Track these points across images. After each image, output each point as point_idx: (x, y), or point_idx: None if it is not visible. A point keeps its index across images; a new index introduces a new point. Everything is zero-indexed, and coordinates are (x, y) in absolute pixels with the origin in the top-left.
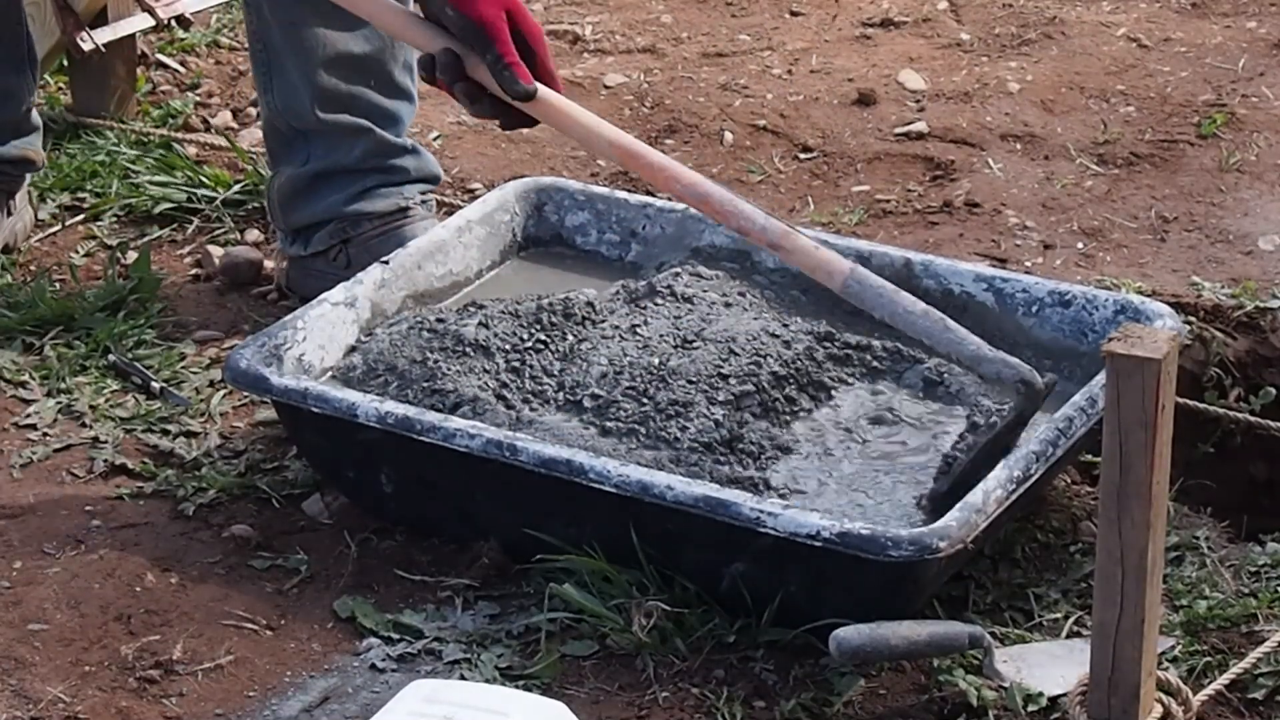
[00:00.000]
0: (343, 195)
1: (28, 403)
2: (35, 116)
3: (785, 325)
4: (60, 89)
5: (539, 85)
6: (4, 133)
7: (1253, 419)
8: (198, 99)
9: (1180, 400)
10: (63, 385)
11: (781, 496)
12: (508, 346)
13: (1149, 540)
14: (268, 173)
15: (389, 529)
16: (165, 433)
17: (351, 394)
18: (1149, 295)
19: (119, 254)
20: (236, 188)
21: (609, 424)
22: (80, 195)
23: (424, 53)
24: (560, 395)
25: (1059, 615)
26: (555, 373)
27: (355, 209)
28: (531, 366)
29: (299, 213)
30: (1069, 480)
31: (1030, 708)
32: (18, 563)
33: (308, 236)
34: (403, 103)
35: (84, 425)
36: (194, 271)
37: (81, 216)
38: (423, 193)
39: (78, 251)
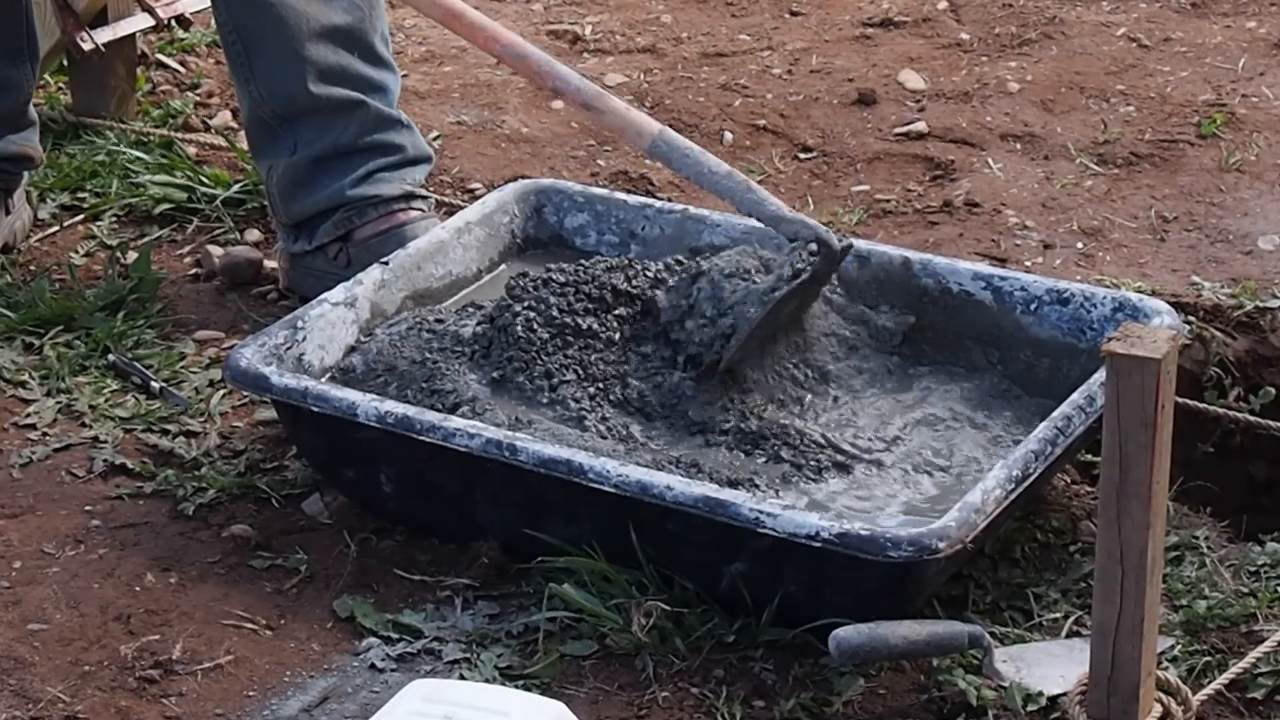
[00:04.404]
0: (345, 180)
1: (28, 403)
2: (32, 112)
3: None
4: (60, 89)
5: None
6: (1, 127)
7: (1253, 419)
8: (198, 99)
9: (1180, 400)
10: (63, 385)
11: None
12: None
13: (1149, 540)
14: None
15: (389, 529)
16: (165, 433)
17: (351, 394)
18: (1149, 295)
19: (119, 254)
20: (236, 187)
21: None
22: (80, 195)
23: None
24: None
25: (1059, 615)
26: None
27: (360, 193)
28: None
29: (301, 202)
30: (1069, 480)
31: (1030, 707)
32: (18, 563)
33: (311, 229)
34: (387, 73)
35: (84, 425)
36: (194, 271)
37: (81, 216)
38: (423, 181)
39: (78, 251)
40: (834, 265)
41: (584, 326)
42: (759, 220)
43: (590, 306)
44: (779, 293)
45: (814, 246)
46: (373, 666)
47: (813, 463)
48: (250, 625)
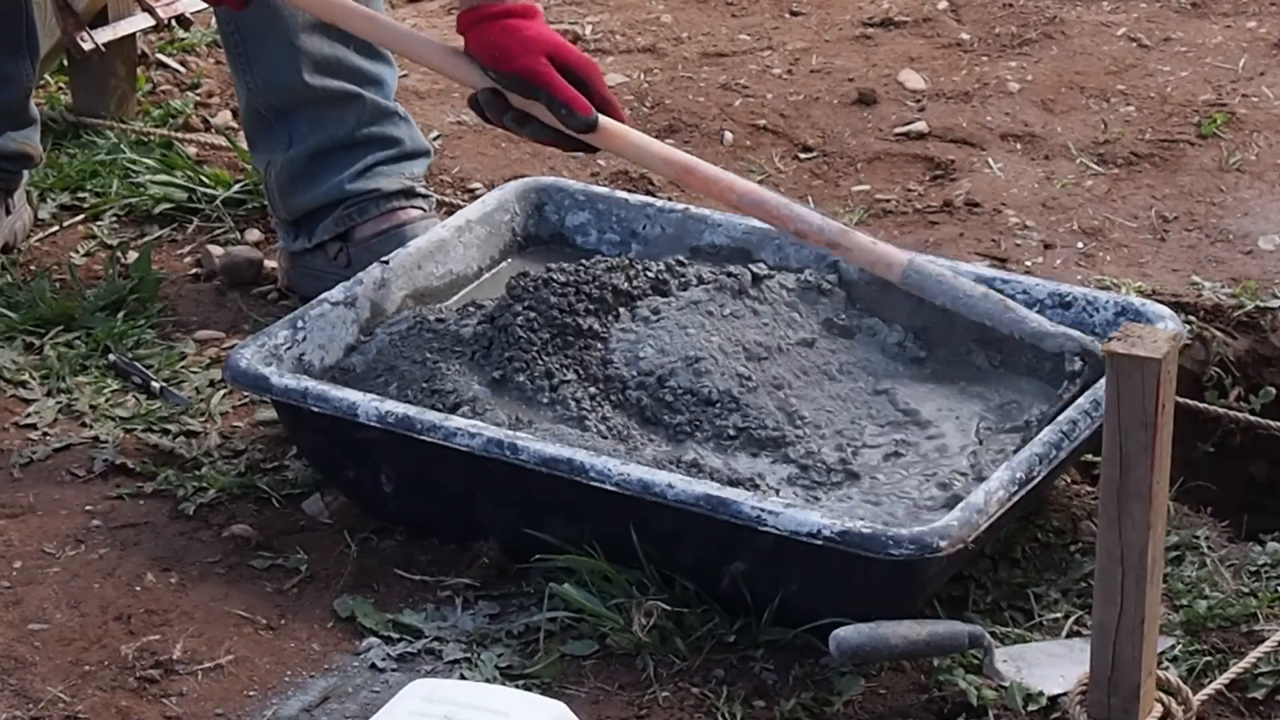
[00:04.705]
0: (344, 174)
1: (28, 403)
2: (34, 110)
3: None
4: (60, 89)
5: (599, 115)
6: (1, 122)
7: (1253, 419)
8: (198, 99)
9: (1180, 400)
10: (63, 385)
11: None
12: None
13: (1149, 540)
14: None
15: (389, 529)
16: (165, 433)
17: (351, 394)
18: (1149, 295)
19: (119, 254)
20: (236, 187)
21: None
22: (80, 195)
23: (471, 92)
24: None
25: (1059, 615)
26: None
27: (359, 187)
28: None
29: (299, 197)
30: (1069, 480)
31: (1030, 707)
32: (18, 563)
33: (311, 226)
34: (384, 66)
35: (84, 425)
36: (194, 271)
37: (81, 216)
38: (422, 176)
39: (78, 251)
40: (1101, 374)
41: (585, 327)
42: (1021, 337)
43: (591, 307)
44: (1052, 409)
45: (1082, 356)
46: (373, 666)
47: (819, 465)
48: (250, 625)
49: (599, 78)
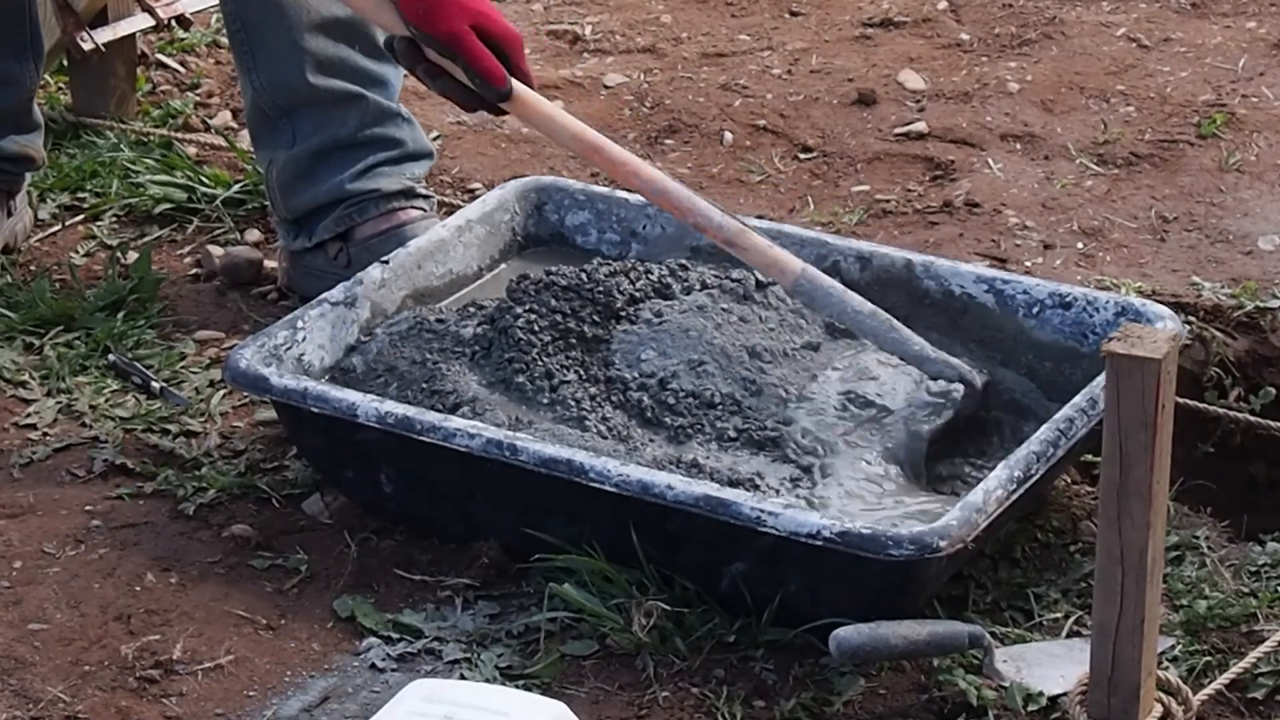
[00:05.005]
0: (345, 174)
1: (28, 403)
2: (39, 115)
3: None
4: (60, 89)
5: (514, 83)
6: (4, 124)
7: (1253, 419)
8: (198, 99)
9: (1180, 400)
10: (63, 385)
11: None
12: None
13: (1149, 540)
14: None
15: (389, 529)
16: (165, 433)
17: (351, 394)
18: (1149, 295)
19: (119, 254)
20: (236, 187)
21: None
22: (80, 195)
23: (388, 36)
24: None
25: (1059, 615)
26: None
27: (359, 187)
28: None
29: (300, 196)
30: (1069, 480)
31: (1030, 707)
32: (18, 563)
33: (311, 225)
34: (388, 67)
35: (84, 425)
36: (194, 271)
37: (81, 216)
38: (423, 178)
39: (78, 251)
40: (978, 403)
41: (586, 330)
42: (903, 359)
43: (593, 310)
44: (927, 429)
45: (961, 387)
46: (373, 666)
47: (821, 467)
48: (250, 625)
49: (520, 50)
